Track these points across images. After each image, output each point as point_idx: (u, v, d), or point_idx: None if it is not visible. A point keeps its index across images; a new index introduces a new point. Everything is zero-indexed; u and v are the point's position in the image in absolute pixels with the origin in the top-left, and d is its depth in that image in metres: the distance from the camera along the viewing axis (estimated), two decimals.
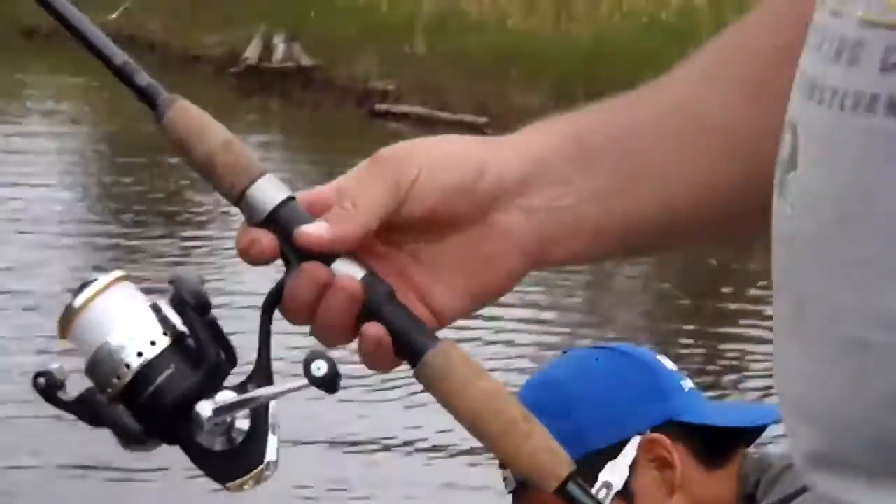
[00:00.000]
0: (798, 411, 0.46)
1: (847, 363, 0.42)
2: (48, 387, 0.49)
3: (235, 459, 0.50)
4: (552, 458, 0.49)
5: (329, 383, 0.48)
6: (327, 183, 0.50)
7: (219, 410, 0.48)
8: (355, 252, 0.49)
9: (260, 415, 0.50)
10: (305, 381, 0.48)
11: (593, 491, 1.05)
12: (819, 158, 0.43)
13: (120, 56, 0.49)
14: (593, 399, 1.14)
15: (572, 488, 0.49)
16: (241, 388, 0.49)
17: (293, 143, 5.71)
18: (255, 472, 0.49)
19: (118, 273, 0.51)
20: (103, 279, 0.50)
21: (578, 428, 1.08)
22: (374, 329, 0.47)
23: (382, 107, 5.79)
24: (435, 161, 0.51)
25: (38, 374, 0.49)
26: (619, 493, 1.09)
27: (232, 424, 0.49)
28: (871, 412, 0.41)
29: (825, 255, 0.43)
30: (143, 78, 0.49)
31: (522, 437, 0.49)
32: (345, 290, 0.47)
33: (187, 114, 0.49)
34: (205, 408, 0.48)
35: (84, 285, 0.49)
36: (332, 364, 0.48)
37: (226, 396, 0.49)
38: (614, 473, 1.10)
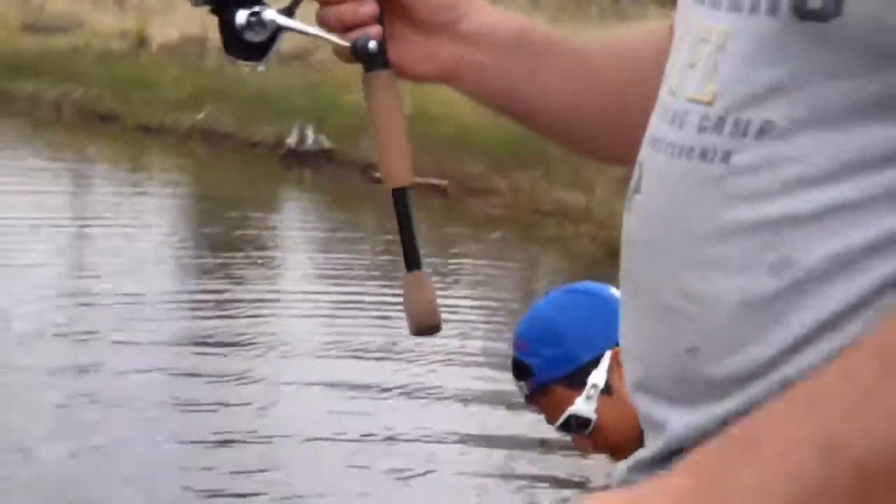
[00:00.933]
0: (632, 354, 0.63)
1: (662, 323, 0.58)
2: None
3: (249, 51, 0.70)
4: (403, 168, 0.71)
5: (368, 56, 0.68)
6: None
7: (252, 18, 0.68)
8: None
9: (278, 35, 0.69)
10: (341, 43, 0.68)
11: (584, 391, 1.37)
12: (654, 187, 0.59)
13: None
14: (576, 329, 1.38)
15: (402, 193, 0.71)
16: (285, 11, 0.69)
17: (319, 199, 7.97)
18: (252, 64, 0.70)
19: None
20: None
21: (570, 351, 1.37)
22: (371, 8, 0.67)
23: (377, 175, 7.99)
24: None
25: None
26: (602, 390, 1.37)
27: (262, 26, 0.68)
28: (674, 357, 0.58)
29: (653, 252, 0.59)
30: None
31: (403, 153, 0.71)
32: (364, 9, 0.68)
33: None
34: (241, 15, 0.68)
35: None
36: (381, 43, 0.68)
37: (266, 14, 0.68)
38: (597, 377, 1.35)
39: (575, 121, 0.81)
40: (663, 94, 0.63)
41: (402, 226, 0.74)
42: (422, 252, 0.73)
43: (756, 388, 0.59)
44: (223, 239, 7.18)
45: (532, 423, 3.29)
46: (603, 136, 0.81)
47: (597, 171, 6.91)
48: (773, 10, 0.57)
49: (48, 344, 5.00)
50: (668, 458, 0.62)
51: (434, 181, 7.81)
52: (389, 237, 5.62)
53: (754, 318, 0.59)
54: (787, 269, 0.58)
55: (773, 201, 0.58)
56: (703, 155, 0.58)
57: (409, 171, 0.73)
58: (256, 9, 0.70)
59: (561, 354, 1.39)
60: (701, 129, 0.58)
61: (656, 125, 0.63)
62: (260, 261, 6.67)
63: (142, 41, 11.97)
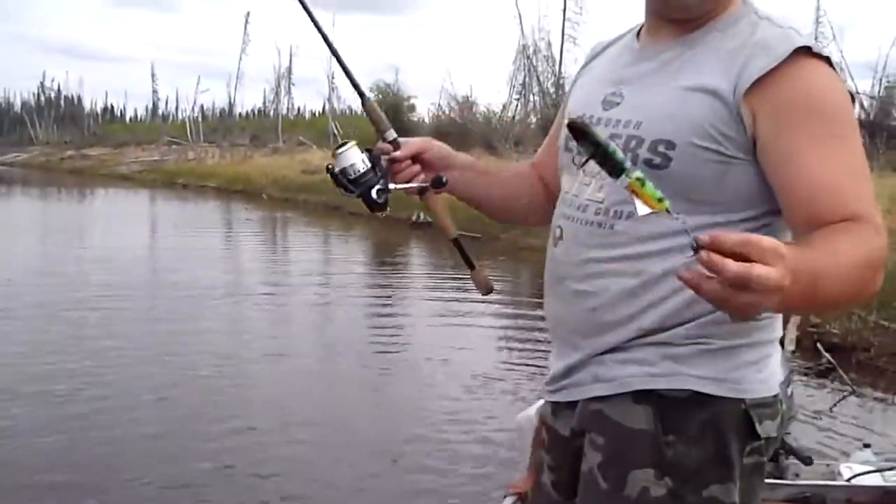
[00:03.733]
0: (548, 320, 1.39)
1: (575, 297, 1.31)
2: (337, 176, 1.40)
3: (379, 207, 1.45)
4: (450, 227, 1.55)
5: (424, 190, 1.50)
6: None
7: (379, 191, 1.44)
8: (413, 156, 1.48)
9: (388, 196, 1.48)
10: (417, 184, 1.49)
11: None
12: (569, 238, 1.32)
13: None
14: None
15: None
16: (383, 175, 1.45)
17: (426, 244, 15.61)
18: (381, 212, 1.46)
19: (354, 142, 1.39)
20: (352, 144, 1.39)
21: None
22: (417, 175, 1.48)
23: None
24: (438, 144, 1.53)
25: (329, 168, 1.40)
26: None
27: (380, 195, 1.43)
28: (581, 313, 1.31)
29: (571, 264, 1.31)
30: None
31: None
32: (411, 168, 1.49)
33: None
34: (374, 193, 1.43)
35: (340, 145, 1.41)
36: (427, 185, 1.49)
37: (381, 186, 1.43)
38: None
39: (501, 206, 1.60)
40: (567, 197, 1.34)
41: (459, 248, 1.53)
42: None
43: (628, 329, 1.27)
44: (384, 256, 14.90)
45: None
46: (510, 215, 1.65)
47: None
48: (633, 161, 1.17)
49: None
50: (567, 373, 1.35)
51: (471, 234, 12.07)
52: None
53: (626, 296, 1.26)
54: (642, 275, 1.24)
55: (634, 246, 1.24)
56: (599, 225, 1.28)
57: (453, 228, 1.50)
58: (379, 186, 1.43)
59: None
60: (597, 213, 1.27)
61: (567, 210, 1.33)
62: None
63: None
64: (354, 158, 1.46)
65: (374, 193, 1.45)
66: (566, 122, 0.95)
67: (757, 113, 1.16)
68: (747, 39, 1.22)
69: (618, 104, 1.31)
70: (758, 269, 0.87)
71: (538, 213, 1.58)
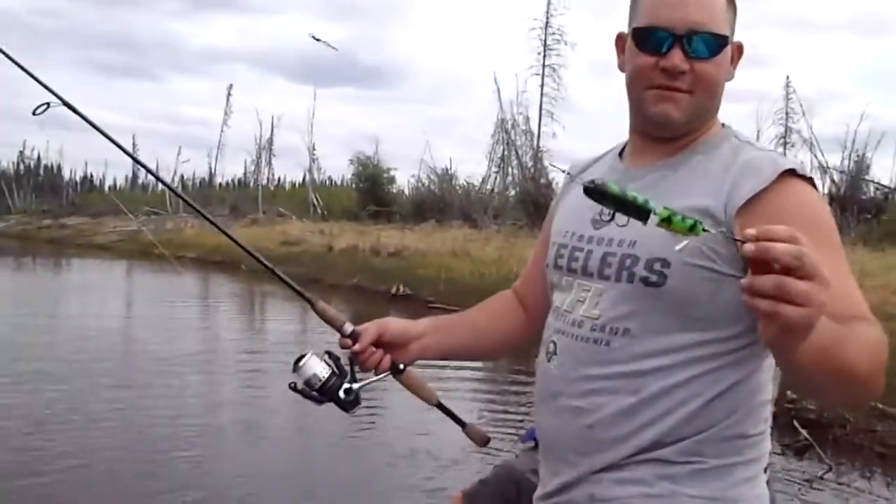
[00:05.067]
0: (544, 433, 1.35)
1: (570, 414, 1.28)
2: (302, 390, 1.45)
3: (350, 406, 1.47)
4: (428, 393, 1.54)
5: (400, 371, 1.51)
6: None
7: (346, 391, 1.47)
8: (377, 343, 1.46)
9: (357, 392, 1.48)
10: (380, 376, 1.47)
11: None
12: (564, 353, 1.31)
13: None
14: None
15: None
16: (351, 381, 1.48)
17: (405, 316, 16.49)
18: (353, 410, 1.46)
19: (310, 351, 1.46)
20: (310, 354, 1.47)
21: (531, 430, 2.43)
22: (383, 359, 1.47)
23: (430, 303, 16.56)
24: (394, 324, 1.50)
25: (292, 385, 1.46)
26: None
27: (348, 394, 1.47)
28: (577, 429, 1.27)
29: (567, 381, 1.29)
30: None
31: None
32: (374, 355, 1.47)
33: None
34: (343, 390, 1.47)
35: (300, 358, 1.47)
36: (400, 367, 1.50)
37: (347, 387, 1.47)
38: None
39: (475, 349, 1.62)
40: (560, 311, 1.33)
41: (445, 412, 1.56)
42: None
43: (626, 447, 1.23)
44: None
45: None
46: (488, 353, 1.66)
47: None
48: (630, 280, 1.22)
49: None
50: (561, 490, 1.31)
51: (455, 307, 16.56)
52: None
53: (624, 414, 1.23)
54: (640, 393, 1.23)
55: (631, 363, 1.23)
56: (596, 341, 1.27)
57: (433, 395, 1.52)
58: (346, 386, 1.47)
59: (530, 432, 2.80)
60: (593, 329, 1.26)
61: (560, 325, 1.33)
62: None
63: (331, 248, 22.06)
64: (315, 367, 1.50)
65: (342, 395, 1.48)
66: (584, 188, 0.94)
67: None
68: (731, 162, 1.27)
69: (608, 222, 1.33)
70: (809, 253, 0.88)
71: (518, 339, 1.62)
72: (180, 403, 7.17)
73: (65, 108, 1.65)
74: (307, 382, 1.49)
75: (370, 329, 1.51)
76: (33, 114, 1.64)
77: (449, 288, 15.46)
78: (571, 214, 1.44)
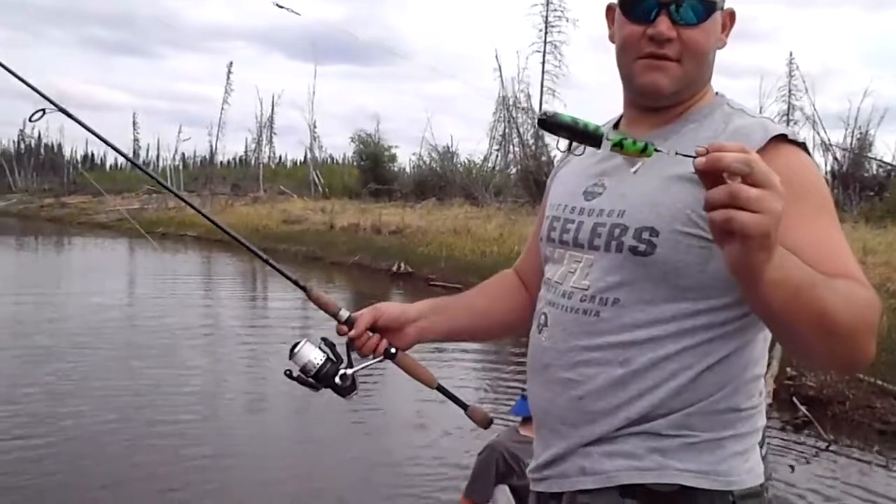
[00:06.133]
0: (535, 404, 1.36)
1: (561, 385, 1.28)
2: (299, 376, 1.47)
3: (346, 391, 1.49)
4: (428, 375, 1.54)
5: (392, 355, 1.51)
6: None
7: (342, 377, 1.48)
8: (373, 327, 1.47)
9: (354, 377, 1.50)
10: (375, 360, 1.50)
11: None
12: (555, 324, 1.31)
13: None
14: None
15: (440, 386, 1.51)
16: (348, 362, 1.49)
17: (406, 292, 15.70)
18: (350, 395, 1.50)
19: (305, 339, 1.49)
20: (304, 341, 1.49)
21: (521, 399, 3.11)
22: (379, 344, 1.47)
23: (432, 280, 16.31)
24: (389, 308, 1.49)
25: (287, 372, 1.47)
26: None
27: (344, 380, 1.48)
28: (568, 401, 1.27)
29: (558, 352, 1.29)
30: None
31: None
32: (370, 340, 1.47)
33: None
34: (339, 376, 1.49)
35: (295, 345, 1.48)
36: (392, 351, 1.50)
37: (343, 372, 1.48)
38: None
39: (475, 330, 1.61)
40: (551, 283, 1.33)
41: (445, 394, 1.57)
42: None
43: (616, 419, 1.24)
44: (365, 307, 15.35)
45: None
46: (489, 333, 1.64)
47: None
48: (619, 249, 1.23)
49: None
50: (551, 463, 1.31)
51: (456, 285, 13.59)
52: None
53: (614, 385, 1.23)
54: (629, 364, 1.23)
55: (621, 334, 1.23)
56: (585, 312, 1.27)
57: (433, 378, 1.54)
58: (342, 371, 1.48)
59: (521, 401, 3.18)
60: (582, 300, 1.26)
61: (551, 296, 1.33)
62: None
63: (332, 226, 22.14)
64: (310, 354, 1.51)
65: (338, 380, 1.49)
66: (537, 120, 0.97)
67: None
68: (722, 129, 1.26)
69: (600, 194, 1.33)
70: (758, 160, 0.91)
71: (520, 318, 1.57)
72: (178, 389, 7.13)
73: (58, 109, 1.65)
74: (303, 369, 1.49)
75: (365, 315, 1.50)
76: (30, 120, 1.66)
77: (450, 266, 15.46)
78: (564, 187, 1.45)
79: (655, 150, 0.97)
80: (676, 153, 0.97)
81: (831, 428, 6.30)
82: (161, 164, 56.72)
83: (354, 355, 1.51)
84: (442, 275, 14.97)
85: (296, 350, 1.51)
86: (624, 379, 1.24)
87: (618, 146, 0.97)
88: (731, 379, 1.26)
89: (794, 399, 6.73)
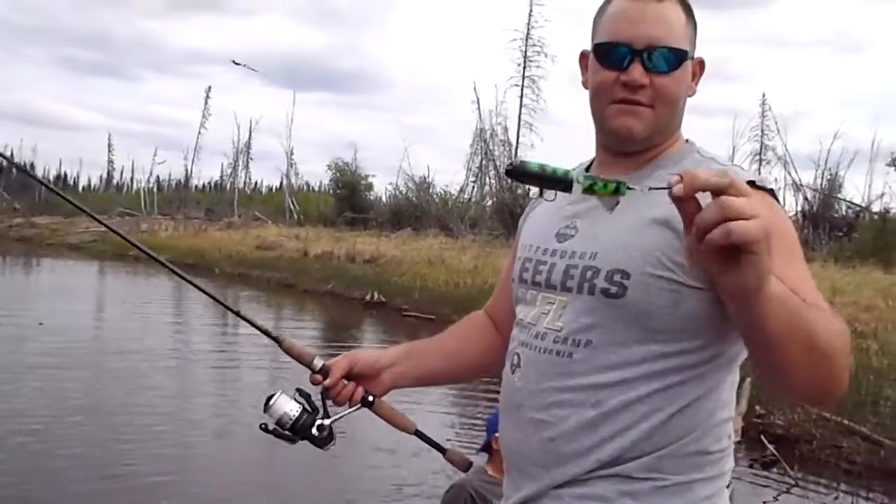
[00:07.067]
0: (506, 444, 1.34)
1: (532, 426, 1.28)
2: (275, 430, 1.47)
3: (324, 442, 1.49)
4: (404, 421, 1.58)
5: (369, 404, 1.50)
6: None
7: (319, 428, 1.48)
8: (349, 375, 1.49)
9: (331, 428, 1.50)
10: (352, 409, 1.48)
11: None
12: (528, 365, 1.31)
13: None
14: (493, 419, 2.76)
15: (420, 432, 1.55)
16: (324, 413, 1.50)
17: (379, 322, 15.17)
18: (328, 446, 1.50)
19: (280, 391, 1.49)
20: (279, 393, 1.49)
21: (489, 430, 3.03)
22: (355, 392, 1.49)
23: (405, 311, 16.00)
24: (364, 355, 1.51)
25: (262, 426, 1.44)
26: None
27: (321, 430, 1.49)
28: (539, 443, 1.26)
29: (529, 393, 1.29)
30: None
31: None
32: (346, 389, 1.49)
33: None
34: (316, 427, 1.49)
35: (270, 397, 1.49)
36: (370, 399, 1.50)
37: (319, 423, 1.48)
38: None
39: (448, 373, 1.61)
40: (524, 323, 1.34)
41: (423, 439, 1.57)
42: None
43: (587, 461, 1.25)
44: (337, 336, 13.06)
45: None
46: (462, 375, 1.64)
47: None
48: (591, 291, 1.24)
49: None
50: (526, 502, 1.30)
51: (429, 316, 13.92)
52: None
53: (586, 427, 1.24)
54: (601, 406, 1.24)
55: (593, 376, 1.24)
56: (558, 353, 1.28)
57: (410, 423, 1.58)
58: (319, 422, 1.47)
59: (492, 423, 2.97)
60: (555, 341, 1.27)
61: (524, 337, 1.33)
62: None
63: (306, 253, 22.05)
64: (285, 406, 1.49)
65: (315, 432, 1.48)
66: (505, 171, 0.97)
67: None
68: None
69: (572, 236, 1.35)
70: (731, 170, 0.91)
71: (492, 359, 1.57)
72: (152, 415, 7.04)
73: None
74: (279, 422, 1.48)
75: (340, 362, 1.50)
76: None
77: (423, 296, 15.43)
78: (537, 228, 1.45)
79: (628, 188, 0.96)
80: (650, 188, 0.97)
81: (799, 467, 6.34)
82: (136, 186, 56.35)
83: (330, 404, 1.50)
84: (415, 305, 14.93)
85: (270, 403, 1.48)
86: (595, 421, 1.25)
87: (589, 190, 0.96)
88: (701, 422, 1.27)
89: (763, 437, 6.78)
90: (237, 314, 1.57)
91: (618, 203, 1.00)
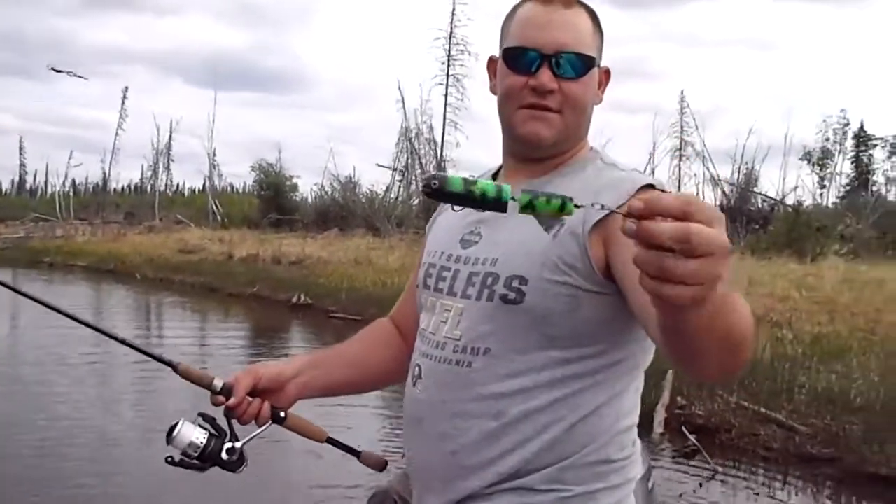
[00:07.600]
0: (409, 464, 1.32)
1: (434, 440, 1.25)
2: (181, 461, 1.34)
3: (235, 466, 1.38)
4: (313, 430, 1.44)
5: (281, 420, 1.41)
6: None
7: (229, 451, 1.37)
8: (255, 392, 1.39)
9: (241, 450, 1.37)
10: (262, 428, 1.38)
11: None
12: (428, 376, 1.28)
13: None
14: None
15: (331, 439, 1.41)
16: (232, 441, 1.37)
17: (304, 324, 15.70)
18: (239, 469, 1.38)
19: (181, 419, 1.34)
20: (181, 422, 1.35)
21: None
22: (261, 408, 1.38)
23: (332, 313, 15.99)
24: (266, 369, 1.41)
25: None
26: None
27: (231, 454, 1.36)
28: (441, 456, 1.24)
29: (431, 405, 1.26)
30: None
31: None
32: (252, 407, 1.38)
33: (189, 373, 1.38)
34: (226, 451, 1.37)
35: (172, 427, 1.35)
36: (282, 415, 1.40)
37: (229, 446, 1.36)
38: None
39: (354, 382, 1.57)
40: (425, 333, 1.32)
41: (336, 445, 1.50)
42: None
43: (489, 474, 1.23)
44: (263, 340, 13.15)
45: None
46: (369, 384, 1.60)
47: None
48: (490, 298, 1.23)
49: None
50: None
51: (357, 317, 13.34)
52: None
53: (487, 439, 1.22)
54: (502, 417, 1.22)
55: (493, 385, 1.22)
56: (458, 363, 1.25)
57: (321, 432, 1.48)
58: (228, 446, 1.40)
59: None
60: (455, 350, 1.25)
61: (425, 348, 1.31)
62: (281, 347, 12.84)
63: (230, 256, 21.67)
64: (189, 435, 1.40)
65: (224, 456, 1.39)
66: (422, 190, 0.78)
67: (609, 241, 1.18)
68: (593, 182, 1.28)
69: (476, 242, 1.33)
70: (697, 227, 0.71)
71: (398, 368, 1.51)
72: (69, 421, 6.89)
73: None
74: (185, 452, 1.39)
75: (242, 380, 1.42)
76: None
77: (351, 297, 15.30)
78: (443, 233, 1.44)
79: (576, 206, 0.78)
80: (602, 206, 0.82)
81: (719, 455, 6.50)
82: (50, 190, 54.51)
83: (237, 424, 1.43)
84: (343, 306, 14.80)
85: (174, 433, 1.40)
86: (497, 432, 1.22)
87: (529, 208, 0.78)
88: (604, 431, 1.26)
89: (684, 428, 6.90)
90: (123, 342, 1.49)
91: (562, 224, 0.91)
